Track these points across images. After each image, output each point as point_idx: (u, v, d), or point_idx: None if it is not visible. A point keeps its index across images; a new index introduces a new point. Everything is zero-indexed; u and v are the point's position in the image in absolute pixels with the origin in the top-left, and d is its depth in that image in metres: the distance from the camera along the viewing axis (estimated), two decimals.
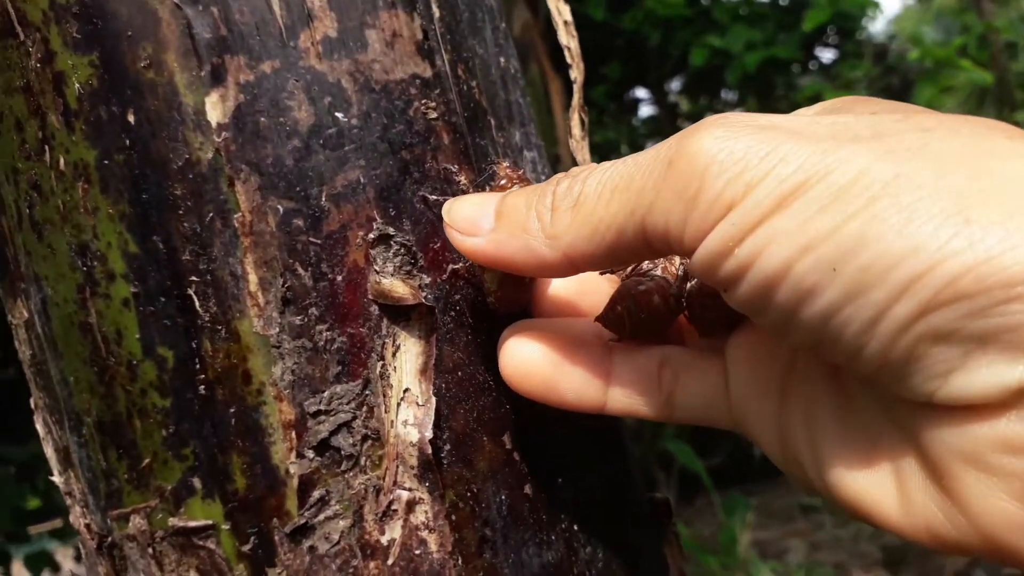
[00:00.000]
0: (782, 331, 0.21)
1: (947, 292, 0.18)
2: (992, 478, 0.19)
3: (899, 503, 0.21)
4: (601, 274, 0.29)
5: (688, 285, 0.27)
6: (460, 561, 0.27)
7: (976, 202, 0.18)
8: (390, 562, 0.26)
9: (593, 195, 0.23)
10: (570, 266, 0.24)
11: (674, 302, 0.27)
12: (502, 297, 0.28)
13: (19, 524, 2.12)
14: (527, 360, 0.26)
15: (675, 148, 0.21)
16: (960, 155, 0.19)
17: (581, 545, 0.29)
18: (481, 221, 0.25)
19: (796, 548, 2.66)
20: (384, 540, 0.26)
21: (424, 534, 0.27)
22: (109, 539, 0.29)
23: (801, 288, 0.20)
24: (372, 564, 0.26)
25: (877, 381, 0.21)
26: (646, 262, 0.28)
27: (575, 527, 0.29)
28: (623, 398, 0.27)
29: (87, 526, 0.30)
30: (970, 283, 0.18)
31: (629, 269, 0.28)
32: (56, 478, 0.32)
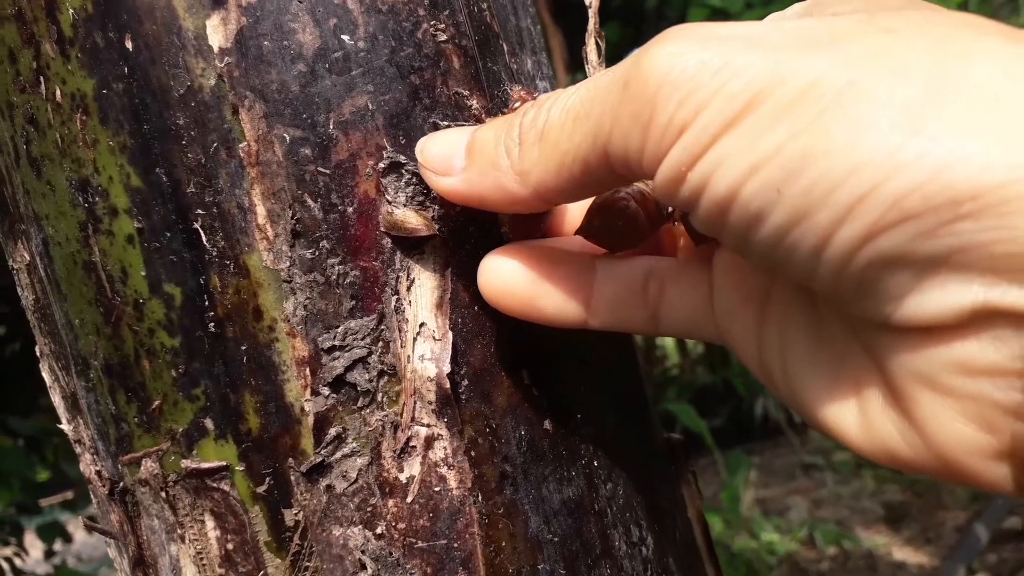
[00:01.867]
0: (742, 254, 0.21)
1: (893, 213, 0.17)
2: (947, 400, 0.18)
3: (859, 422, 0.21)
4: None
5: None
6: (480, 497, 0.26)
7: (930, 112, 0.17)
8: (409, 500, 0.26)
9: (557, 125, 0.22)
10: (544, 202, 0.23)
11: (654, 208, 0.26)
12: (515, 228, 0.27)
13: (30, 496, 2.14)
14: (505, 276, 0.25)
15: (629, 69, 0.20)
16: (921, 59, 0.18)
17: (602, 481, 0.28)
18: (453, 159, 0.24)
19: (798, 506, 2.69)
20: (403, 477, 0.26)
21: (443, 471, 0.26)
22: (121, 485, 0.29)
23: (748, 212, 0.19)
24: (391, 502, 0.26)
25: (837, 302, 0.20)
26: None
27: (595, 463, 0.28)
28: (607, 312, 0.26)
29: (97, 473, 0.30)
30: (917, 202, 0.17)
31: None
32: (64, 426, 0.31)
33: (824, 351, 0.22)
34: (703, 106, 0.19)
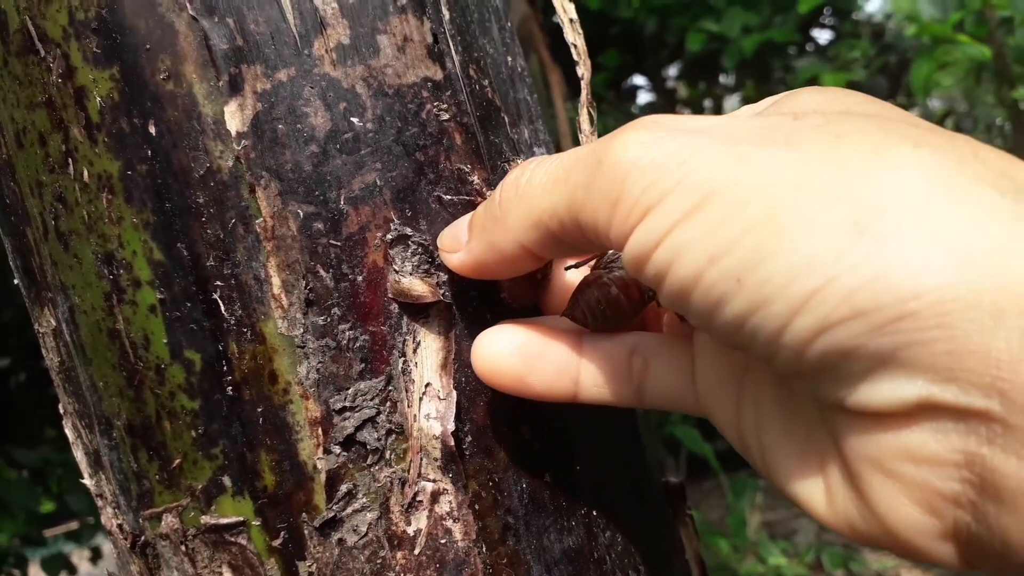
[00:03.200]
0: (706, 331, 0.22)
1: (844, 308, 0.18)
2: (895, 483, 0.20)
3: (825, 498, 0.22)
4: (567, 268, 0.29)
5: None
6: (484, 549, 0.28)
7: (874, 215, 0.18)
8: (416, 552, 0.27)
9: (538, 185, 0.24)
10: (530, 257, 0.25)
11: (636, 292, 0.27)
12: (514, 292, 0.28)
13: (34, 527, 2.14)
14: (497, 354, 0.26)
15: (604, 149, 0.22)
16: (865, 164, 0.19)
17: (600, 530, 0.30)
18: (460, 236, 0.26)
19: (805, 529, 2.68)
20: (410, 531, 0.27)
21: (449, 524, 0.27)
22: (142, 538, 0.30)
23: (710, 297, 0.20)
24: (399, 554, 0.27)
25: (798, 382, 0.21)
26: (612, 251, 0.28)
27: (594, 512, 0.30)
28: (594, 387, 0.27)
29: (119, 526, 0.31)
30: (865, 299, 0.18)
31: (595, 260, 0.29)
32: (86, 480, 0.33)
33: (794, 429, 0.23)
34: (667, 193, 0.20)
